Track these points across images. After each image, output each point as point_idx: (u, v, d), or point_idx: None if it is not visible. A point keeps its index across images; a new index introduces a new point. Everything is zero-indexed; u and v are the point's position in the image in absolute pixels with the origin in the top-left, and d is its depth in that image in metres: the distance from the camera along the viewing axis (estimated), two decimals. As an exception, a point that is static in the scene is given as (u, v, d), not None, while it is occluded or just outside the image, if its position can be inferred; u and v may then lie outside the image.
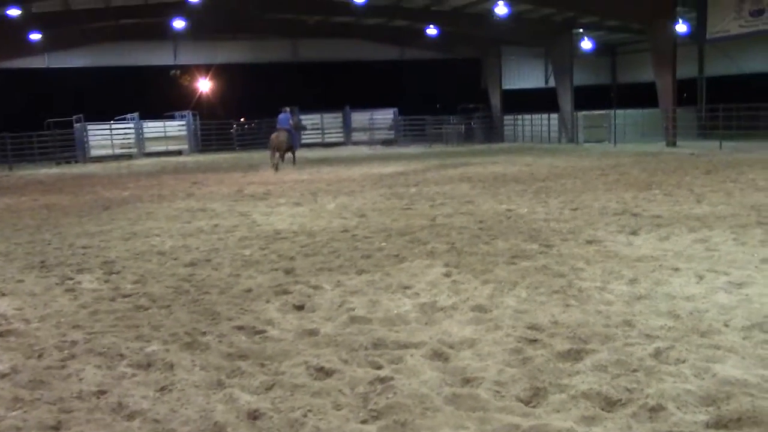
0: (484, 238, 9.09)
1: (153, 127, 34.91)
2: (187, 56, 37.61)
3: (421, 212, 11.75)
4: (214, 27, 34.35)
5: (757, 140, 25.26)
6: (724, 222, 9.50)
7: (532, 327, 5.31)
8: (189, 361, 4.83)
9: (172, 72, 40.30)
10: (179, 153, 34.23)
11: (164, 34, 33.66)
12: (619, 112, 31.30)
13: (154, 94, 38.68)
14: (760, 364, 4.39)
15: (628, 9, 27.62)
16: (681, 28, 28.13)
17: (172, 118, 36.13)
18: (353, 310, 5.99)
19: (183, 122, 35.55)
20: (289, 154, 23.88)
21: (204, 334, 5.45)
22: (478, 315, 5.69)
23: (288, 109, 24.44)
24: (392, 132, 38.19)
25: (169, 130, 35.37)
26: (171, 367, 4.73)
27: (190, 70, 41.80)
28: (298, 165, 23.75)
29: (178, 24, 31.40)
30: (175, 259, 8.55)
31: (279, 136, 23.03)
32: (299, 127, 25.14)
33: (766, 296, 5.86)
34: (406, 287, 6.69)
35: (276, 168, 22.34)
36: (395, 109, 38.09)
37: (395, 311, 5.91)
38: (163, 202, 14.88)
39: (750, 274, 6.62)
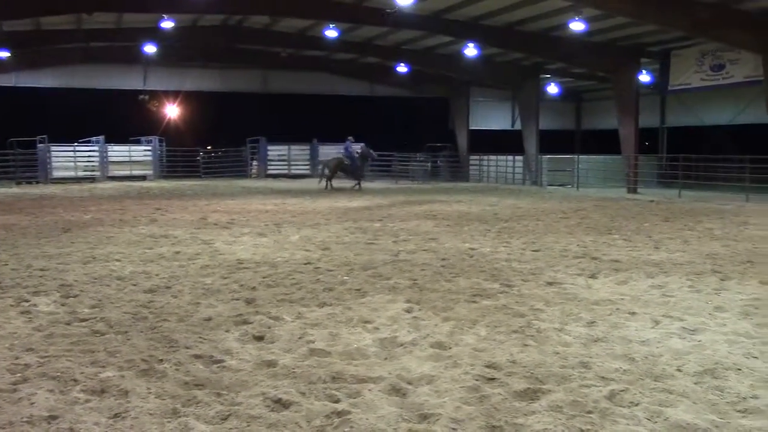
0: (446, 275, 9.16)
1: (118, 151, 34.63)
2: (156, 81, 37.50)
3: (384, 247, 11.79)
4: (184, 54, 34.36)
5: (715, 190, 25.87)
6: (680, 269, 9.69)
7: (491, 365, 5.35)
8: (144, 389, 4.77)
9: (141, 97, 40.07)
10: (144, 178, 33.96)
11: (134, 58, 33.55)
12: (583, 157, 31.88)
13: (121, 117, 38.37)
14: (710, 409, 4.48)
15: (594, 57, 28.30)
16: (644, 78, 28.88)
17: (138, 142, 35.88)
18: (313, 342, 5.98)
19: (149, 147, 35.33)
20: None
21: (161, 361, 5.39)
22: (438, 352, 5.72)
23: (350, 138, 28.80)
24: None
25: (135, 154, 35.11)
26: (125, 393, 4.67)
27: (158, 96, 41.62)
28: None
29: (149, 49, 31.34)
30: (135, 284, 8.46)
31: (329, 161, 28.39)
32: (365, 156, 28.54)
33: (718, 343, 5.99)
34: (367, 321, 6.70)
35: (324, 185, 27.49)
36: (363, 144, 38.28)
37: (355, 345, 5.91)
38: (125, 226, 14.73)
39: (704, 320, 6.76)
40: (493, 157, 36.37)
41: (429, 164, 38.28)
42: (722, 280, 8.92)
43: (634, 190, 27.32)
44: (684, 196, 24.50)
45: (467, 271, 9.53)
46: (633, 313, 7.05)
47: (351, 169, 28.42)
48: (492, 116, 40.22)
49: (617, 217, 17.32)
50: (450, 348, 5.84)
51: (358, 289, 8.17)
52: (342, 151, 28.84)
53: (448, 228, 14.79)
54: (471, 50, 28.72)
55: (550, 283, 8.65)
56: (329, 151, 38.14)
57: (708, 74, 25.75)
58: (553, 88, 37.07)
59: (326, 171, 28.00)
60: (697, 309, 7.28)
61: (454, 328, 6.44)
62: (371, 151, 28.95)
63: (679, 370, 5.25)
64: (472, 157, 38.17)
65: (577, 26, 23.14)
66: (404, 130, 40.72)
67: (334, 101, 40.49)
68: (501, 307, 7.31)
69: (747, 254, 11.11)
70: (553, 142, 35.95)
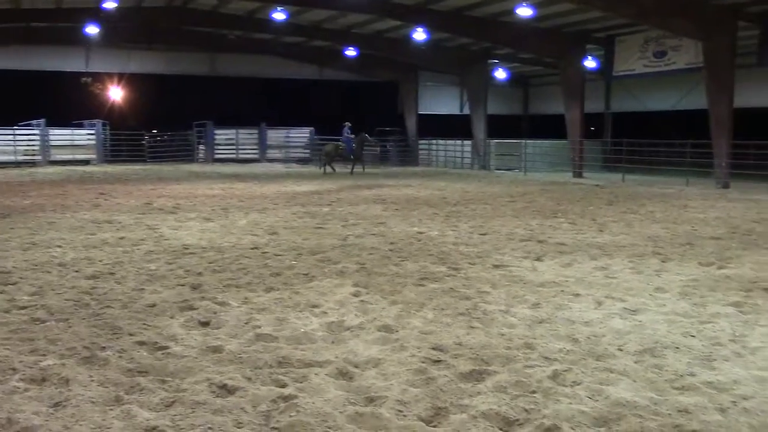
0: (394, 259, 9.19)
1: (59, 135, 33.72)
2: (99, 63, 36.56)
3: (332, 232, 11.77)
4: (129, 35, 33.56)
5: (657, 174, 26.47)
6: (623, 251, 9.90)
7: (437, 348, 5.39)
8: (86, 377, 4.69)
9: (84, 79, 39.05)
10: (87, 162, 33.18)
11: (77, 39, 32.62)
12: (530, 141, 32.24)
13: (63, 100, 37.35)
14: (649, 386, 4.60)
15: (541, 43, 28.56)
16: (590, 64, 29.27)
17: (80, 126, 35.00)
18: (259, 327, 5.95)
19: (92, 131, 34.51)
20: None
21: (103, 348, 5.30)
22: (385, 335, 5.75)
23: (347, 124, 29.96)
24: (308, 151, 38.13)
25: (77, 138, 34.25)
26: (66, 382, 4.58)
27: (102, 78, 40.60)
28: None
29: (91, 30, 30.53)
30: (77, 271, 8.28)
31: (327, 146, 29.91)
32: (361, 141, 29.27)
33: (657, 323, 6.14)
34: (315, 306, 6.69)
35: (324, 171, 28.68)
36: (312, 129, 38.07)
37: (302, 330, 5.90)
38: (67, 212, 14.39)
39: (644, 301, 6.93)
40: (441, 142, 36.53)
41: (378, 149, 38.26)
42: (663, 261, 9.14)
43: (579, 175, 27.77)
44: (627, 180, 25.00)
45: (415, 254, 9.58)
46: (577, 295, 7.18)
47: (346, 153, 29.52)
48: (441, 101, 40.34)
49: (563, 200, 17.59)
50: (397, 331, 5.86)
51: (306, 274, 8.14)
52: (342, 137, 30.05)
53: (396, 212, 14.83)
54: (420, 35, 28.75)
55: (496, 266, 8.75)
56: (277, 136, 37.95)
57: (651, 61, 26.23)
58: (501, 73, 37.32)
59: (325, 157, 29.44)
60: (639, 290, 7.45)
61: (402, 312, 6.47)
62: (367, 135, 29.74)
63: (620, 350, 5.38)
64: (421, 141, 38.29)
65: (524, 12, 23.32)
66: (353, 114, 40.56)
67: (283, 85, 40.13)
68: (448, 290, 7.37)
69: (687, 237, 11.40)
70: (501, 127, 36.22)
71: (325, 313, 6.46)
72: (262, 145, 37.62)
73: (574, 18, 26.13)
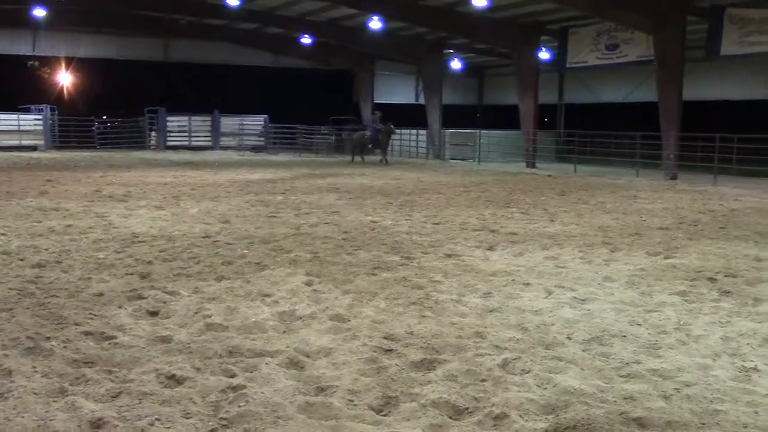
0: (348, 248, 9.17)
1: (5, 120, 32.82)
2: (47, 47, 35.59)
3: (286, 221, 11.69)
4: (78, 18, 32.75)
5: (608, 166, 26.87)
6: (573, 241, 10.04)
7: (389, 337, 5.40)
8: (30, 368, 4.58)
9: (30, 63, 38.02)
10: (34, 149, 32.36)
11: (23, 21, 31.73)
12: (484, 132, 32.42)
13: (8, 85, 36.30)
14: (596, 375, 4.68)
15: (496, 34, 28.72)
16: (544, 55, 29.53)
17: (27, 111, 34.10)
18: (209, 317, 5.88)
19: (39, 116, 33.66)
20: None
21: (48, 339, 5.18)
22: (337, 324, 5.73)
23: (378, 112, 30.47)
24: (262, 139, 37.80)
25: (24, 123, 33.33)
26: (9, 373, 4.46)
27: (50, 62, 39.55)
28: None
29: (38, 12, 29.72)
30: (22, 259, 8.08)
31: (356, 135, 30.55)
32: (388, 131, 29.12)
33: (605, 311, 6.25)
34: (266, 295, 6.64)
35: (352, 160, 29.17)
36: (266, 116, 37.72)
37: (253, 319, 5.85)
38: (12, 199, 14.03)
39: (593, 290, 7.04)
40: (396, 131, 36.49)
41: (333, 137, 38.12)
42: (612, 251, 9.29)
43: (532, 165, 28.04)
44: (579, 170, 25.33)
45: (368, 244, 9.57)
46: (527, 284, 7.26)
47: (368, 142, 29.80)
48: (396, 90, 40.34)
49: (515, 191, 17.75)
50: (349, 320, 5.86)
51: (258, 263, 8.08)
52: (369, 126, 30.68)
53: (350, 201, 14.80)
54: (375, 23, 28.66)
55: (449, 256, 8.79)
56: (230, 123, 37.51)
57: (603, 53, 26.57)
58: (456, 63, 37.44)
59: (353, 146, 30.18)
60: (588, 279, 7.56)
61: (354, 301, 6.46)
62: (392, 126, 29.44)
63: (569, 338, 5.46)
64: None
65: (479, 2, 23.39)
66: (308, 102, 40.28)
67: (237, 72, 39.60)
68: (400, 279, 7.39)
69: (635, 227, 11.61)
70: (456, 117, 36.39)
71: (277, 302, 6.42)
72: (215, 132, 37.16)
73: (528, 9, 26.31)
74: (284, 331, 5.57)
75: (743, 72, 27.18)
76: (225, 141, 37.17)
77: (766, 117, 28.41)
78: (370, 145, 29.83)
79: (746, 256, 9.04)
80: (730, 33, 21.94)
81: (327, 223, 11.44)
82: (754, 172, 22.21)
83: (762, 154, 22.39)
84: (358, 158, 29.45)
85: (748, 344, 5.39)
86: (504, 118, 35.36)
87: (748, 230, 11.41)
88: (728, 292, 7.03)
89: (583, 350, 5.18)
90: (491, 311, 6.21)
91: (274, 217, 12.15)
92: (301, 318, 5.92)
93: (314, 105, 38.77)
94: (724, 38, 22.09)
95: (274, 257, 8.46)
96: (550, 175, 23.39)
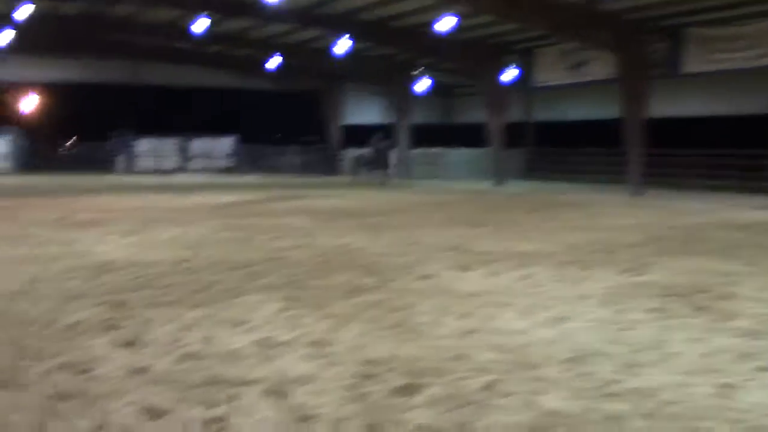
0: (322, 272, 9.14)
1: (-31, 145, 32.38)
2: (14, 71, 35.14)
3: (259, 245, 11.63)
4: (45, 42, 32.40)
5: (577, 183, 27.21)
6: (546, 259, 10.12)
7: (369, 362, 5.38)
8: (4, 403, 4.48)
9: (-5, 87, 37.63)
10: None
11: (-14, 46, 31.32)
12: (453, 150, 32.65)
13: (-29, 109, 35.87)
14: (578, 395, 4.70)
15: (464, 54, 29.03)
16: (512, 74, 29.90)
17: (-8, 135, 33.67)
18: (187, 346, 5.81)
19: (6, 140, 33.20)
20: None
21: (22, 372, 5.07)
22: (316, 350, 5.70)
23: (379, 135, 30.07)
24: (231, 161, 37.67)
25: (-12, 148, 32.94)
26: (-17, 409, 4.36)
27: (17, 86, 39.08)
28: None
29: (5, 37, 29.34)
30: (-9, 290, 7.93)
31: (356, 155, 30.63)
32: (381, 151, 29.48)
33: (583, 330, 6.30)
34: (242, 322, 6.58)
35: (353, 180, 29.05)
36: (234, 138, 37.63)
37: (231, 347, 5.79)
38: (-22, 227, 13.78)
39: (569, 309, 7.09)
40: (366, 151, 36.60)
41: (302, 158, 38.13)
42: (584, 269, 9.38)
43: (501, 183, 28.29)
44: (548, 188, 25.60)
45: (343, 267, 9.55)
46: (504, 304, 7.29)
47: (364, 162, 29.87)
48: (365, 110, 40.46)
49: (486, 209, 17.88)
50: (328, 346, 5.83)
51: (233, 289, 8.01)
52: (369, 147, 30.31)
53: (323, 223, 14.78)
54: (343, 44, 28.79)
55: (424, 277, 8.81)
56: (199, 145, 37.36)
57: (568, 72, 27.00)
58: (425, 83, 37.71)
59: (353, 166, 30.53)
60: (563, 298, 7.62)
61: (332, 326, 6.44)
62: (386, 146, 29.73)
63: (548, 359, 5.48)
64: (344, 151, 38.32)
65: (447, 22, 23.64)
66: (277, 123, 40.30)
67: (206, 94, 39.51)
68: (377, 302, 7.38)
69: (605, 244, 11.73)
70: (424, 136, 36.57)
71: (254, 329, 6.36)
72: (184, 154, 36.96)
73: (495, 30, 26.67)
74: (263, 359, 5.52)
75: (706, 89, 27.74)
76: (194, 163, 36.99)
77: (729, 133, 28.98)
78: (366, 167, 29.70)
79: (715, 272, 9.18)
80: (692, 51, 22.48)
81: (300, 246, 11.40)
82: (718, 187, 22.63)
83: (725, 170, 22.84)
84: (359, 178, 29.29)
85: (724, 360, 5.47)
86: (473, 136, 35.59)
87: (715, 245, 11.61)
88: (701, 308, 7.13)
89: (563, 370, 5.21)
90: (470, 333, 6.23)
91: (247, 241, 12.08)
92: (279, 344, 5.87)
93: (282, 126, 38.81)
94: (686, 56, 22.63)
95: (248, 282, 8.40)
96: (519, 193, 23.59)
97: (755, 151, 24.33)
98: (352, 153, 32.01)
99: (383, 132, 31.14)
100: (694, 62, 22.47)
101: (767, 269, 9.31)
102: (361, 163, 29.88)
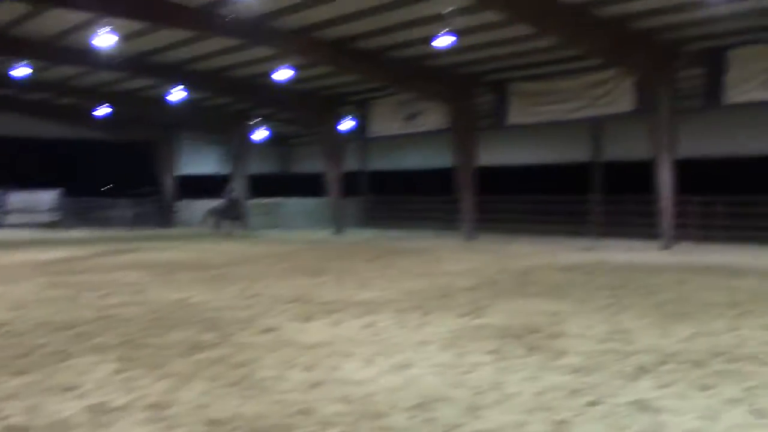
0: (159, 329, 8.74)
1: None
2: None
3: (88, 303, 10.96)
4: None
5: (414, 230, 27.96)
6: (387, 307, 10.25)
7: (212, 422, 5.17)
8: None
9: None
10: None
11: None
12: (292, 200, 32.65)
13: None
14: (424, 442, 4.75)
15: (300, 105, 29.36)
16: (348, 124, 30.49)
17: None
18: (8, 417, 5.32)
19: None
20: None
21: None
22: (155, 414, 5.40)
23: (231, 185, 30.16)
24: (56, 214, 35.52)
25: None
26: None
27: None
28: None
29: None
30: None
31: (213, 207, 29.33)
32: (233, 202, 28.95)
33: (426, 376, 6.40)
34: (72, 387, 6.13)
35: (215, 232, 27.84)
36: (60, 190, 35.59)
37: (59, 416, 5.37)
38: None
39: (412, 356, 7.19)
40: (202, 202, 35.82)
41: (134, 210, 36.67)
42: (424, 315, 9.58)
43: (339, 232, 28.56)
44: (385, 235, 26.13)
45: (181, 323, 9.19)
46: (348, 354, 7.28)
47: (217, 213, 28.95)
48: (201, 160, 39.67)
49: (326, 258, 17.92)
50: (168, 408, 5.54)
51: (60, 352, 7.47)
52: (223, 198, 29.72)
53: (157, 277, 14.19)
54: (178, 94, 28.21)
55: (266, 330, 8.64)
56: (20, 198, 34.98)
57: (403, 122, 27.91)
58: (262, 133, 37.64)
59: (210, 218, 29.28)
60: (405, 345, 7.72)
61: (171, 386, 6.14)
62: (238, 196, 29.12)
63: (394, 407, 5.51)
64: (179, 202, 37.31)
65: (283, 74, 23.79)
66: (107, 174, 38.55)
67: (28, 144, 37.09)
68: (218, 358, 7.14)
69: (443, 289, 12.08)
70: (262, 186, 36.35)
71: (85, 394, 5.94)
72: (3, 209, 34.46)
73: (331, 81, 27.17)
74: (96, 427, 5.15)
75: (531, 139, 29.59)
76: (13, 218, 34.53)
77: (550, 179, 31.01)
78: (222, 218, 28.88)
79: (545, 312, 9.68)
80: (515, 104, 23.97)
81: (134, 303, 10.86)
82: (544, 231, 24.03)
83: (548, 214, 24.34)
84: (221, 230, 28.36)
85: (557, 398, 5.73)
86: (311, 185, 35.80)
87: (544, 286, 12.27)
88: (534, 348, 7.47)
89: (409, 418, 5.25)
90: (315, 385, 6.15)
91: (75, 299, 11.35)
92: (114, 410, 5.51)
93: (114, 177, 37.25)
94: (510, 109, 24.08)
95: (77, 344, 7.86)
96: (358, 242, 23.89)
97: (577, 197, 26.16)
98: (207, 205, 31.07)
99: (234, 182, 30.70)
100: (517, 114, 23.97)
101: (592, 308, 9.94)
102: (217, 215, 29.13)
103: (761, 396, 5.70)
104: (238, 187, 29.92)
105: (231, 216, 28.94)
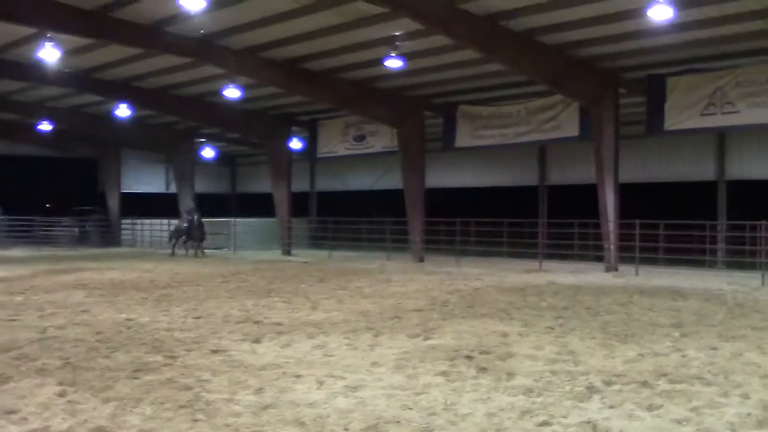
0: (103, 351, 8.52)
1: None
2: None
3: (28, 324, 10.62)
4: None
5: (361, 250, 27.93)
6: (337, 328, 10.19)
7: (159, 447, 5.04)
8: None
9: None
10: None
11: None
12: (239, 220, 32.35)
13: None
14: (378, 465, 4.70)
15: (248, 124, 29.20)
16: (296, 145, 30.40)
17: None
18: (-56, 444, 5.12)
19: None
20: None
21: None
22: (99, 438, 5.25)
23: (191, 205, 29.57)
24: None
25: None
26: None
27: None
28: None
29: None
30: None
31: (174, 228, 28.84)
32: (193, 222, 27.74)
33: (377, 398, 6.36)
34: (12, 412, 5.92)
35: (173, 253, 27.26)
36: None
37: (-1, 442, 5.18)
38: None
39: (363, 377, 7.15)
40: (147, 221, 35.22)
41: (76, 229, 35.81)
42: (375, 336, 9.55)
43: (288, 252, 28.36)
44: (334, 256, 26.03)
45: (126, 344, 8.97)
46: (299, 376, 7.20)
47: (182, 234, 28.06)
48: (146, 179, 39.10)
49: (275, 279, 17.75)
50: (113, 432, 5.39)
51: (0, 374, 7.21)
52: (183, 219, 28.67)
53: (101, 298, 13.85)
54: (123, 111, 27.75)
55: (215, 351, 8.49)
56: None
57: (352, 144, 27.95)
58: (208, 152, 37.27)
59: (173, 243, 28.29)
60: (356, 366, 7.68)
61: (116, 410, 5.97)
62: (196, 217, 27.75)
63: (346, 429, 5.46)
64: (124, 220, 36.60)
65: (231, 93, 23.63)
66: (49, 192, 37.62)
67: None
68: (166, 381, 6.98)
69: (394, 310, 12.07)
70: (209, 205, 35.94)
71: (26, 419, 5.75)
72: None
73: (279, 101, 27.11)
74: (37, 452, 4.98)
75: (476, 162, 29.98)
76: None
77: (496, 202, 31.44)
78: (182, 238, 28.06)
79: (494, 333, 9.74)
80: (463, 127, 24.24)
81: (77, 324, 10.57)
82: (491, 252, 24.26)
83: (496, 236, 24.60)
84: (178, 251, 27.66)
85: (508, 418, 5.76)
86: (258, 205, 35.57)
87: (493, 308, 12.35)
88: (484, 369, 7.50)
89: (362, 440, 5.21)
90: (266, 408, 6.05)
91: (14, 320, 10.99)
92: (56, 435, 5.34)
93: (56, 194, 36.35)
94: (458, 132, 24.32)
95: (17, 367, 7.60)
96: (306, 262, 23.75)
97: (524, 219, 26.54)
98: (170, 225, 30.36)
99: (195, 202, 30.16)
100: (465, 137, 24.22)
101: (540, 329, 10.04)
102: (179, 236, 28.39)
103: (707, 415, 5.82)
104: (196, 208, 29.15)
105: (194, 237, 28.27)
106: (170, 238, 28.69)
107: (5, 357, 8.13)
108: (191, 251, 27.43)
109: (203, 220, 28.03)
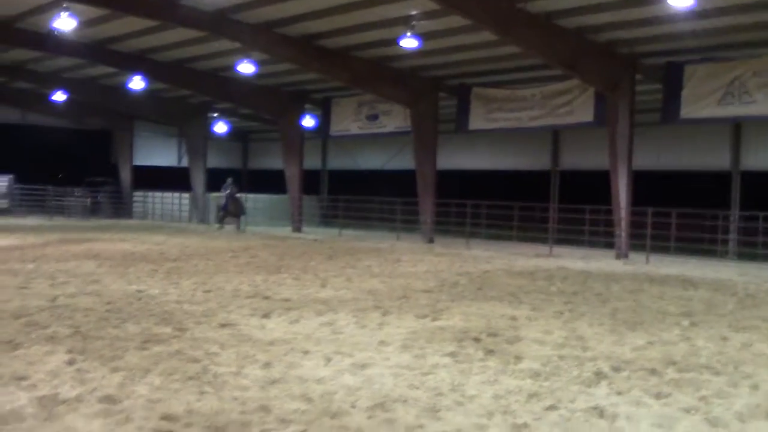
0: (113, 321, 8.57)
1: None
2: None
3: (39, 292, 10.69)
4: None
5: (371, 229, 27.92)
6: (346, 306, 10.20)
7: (167, 417, 5.07)
8: None
9: None
10: None
11: None
12: (250, 195, 32.38)
13: None
14: (384, 442, 4.71)
15: (262, 100, 29.10)
16: (309, 122, 30.31)
17: None
18: (-46, 407, 5.15)
19: None
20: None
21: None
22: (107, 407, 5.27)
23: (228, 179, 29.20)
24: (6, 201, 34.63)
25: None
26: None
27: None
28: None
29: None
30: None
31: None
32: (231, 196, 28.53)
33: (385, 377, 6.36)
34: (22, 378, 5.96)
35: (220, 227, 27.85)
36: (11, 176, 34.70)
37: (8, 407, 5.21)
38: None
39: (371, 355, 7.16)
40: (158, 194, 35.32)
41: (89, 200, 35.95)
42: (383, 315, 9.56)
43: (299, 229, 28.40)
44: (344, 234, 26.05)
45: (136, 315, 9.02)
46: (307, 352, 7.22)
47: (223, 209, 28.79)
48: (158, 152, 39.13)
49: (285, 255, 17.78)
50: (121, 401, 5.42)
51: (10, 341, 7.26)
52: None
53: (112, 269, 13.92)
54: (137, 83, 27.72)
55: (223, 325, 8.53)
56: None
57: (364, 123, 27.85)
58: (221, 127, 37.23)
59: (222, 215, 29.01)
60: (364, 344, 7.69)
61: (125, 379, 6.01)
62: (234, 191, 28.54)
63: (353, 407, 5.47)
64: (136, 193, 36.71)
65: (246, 68, 23.55)
66: (62, 162, 37.67)
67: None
68: (174, 352, 7.01)
69: (402, 290, 12.07)
70: (220, 180, 36.00)
71: (35, 385, 5.78)
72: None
73: (294, 78, 26.99)
74: (46, 419, 5.01)
75: (489, 145, 29.84)
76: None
77: (508, 185, 31.29)
78: (222, 213, 28.56)
79: (503, 316, 9.73)
80: (477, 109, 24.07)
81: (87, 294, 10.63)
82: (501, 235, 24.19)
83: (506, 220, 24.51)
84: (222, 226, 28.16)
85: (516, 401, 5.75)
86: (269, 182, 35.56)
87: (502, 291, 12.33)
88: (492, 351, 7.49)
89: (368, 417, 5.21)
90: (273, 382, 6.07)
91: (26, 288, 11.07)
92: (65, 402, 5.37)
93: (68, 165, 36.45)
94: (471, 114, 24.16)
95: (28, 334, 7.66)
96: (316, 239, 23.78)
97: (534, 203, 26.44)
98: (215, 200, 30.87)
99: (233, 177, 30.31)
100: (479, 120, 24.08)
101: (549, 314, 10.02)
102: (222, 211, 28.85)
103: (715, 405, 5.80)
104: (233, 182, 29.32)
105: (234, 213, 28.59)
106: (217, 211, 29.47)
107: (16, 323, 8.19)
108: (230, 226, 27.93)
109: (241, 196, 28.38)
